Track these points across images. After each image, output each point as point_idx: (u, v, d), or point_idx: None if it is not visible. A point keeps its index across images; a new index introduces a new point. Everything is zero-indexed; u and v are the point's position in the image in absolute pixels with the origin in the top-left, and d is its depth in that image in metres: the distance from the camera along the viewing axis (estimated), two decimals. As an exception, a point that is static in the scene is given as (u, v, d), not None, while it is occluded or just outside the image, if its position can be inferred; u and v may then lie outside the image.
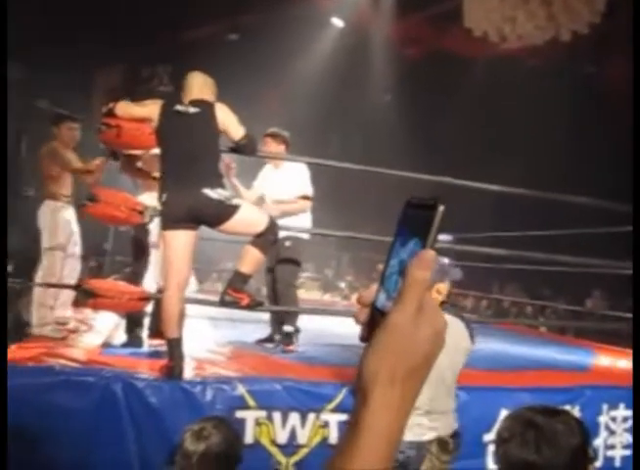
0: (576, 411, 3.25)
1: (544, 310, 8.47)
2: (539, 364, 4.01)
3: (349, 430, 0.52)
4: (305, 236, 4.03)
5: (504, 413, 3.09)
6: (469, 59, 8.94)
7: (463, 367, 2.75)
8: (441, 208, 0.51)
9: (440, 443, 2.40)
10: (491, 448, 3.01)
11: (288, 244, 3.88)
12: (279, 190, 3.99)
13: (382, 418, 0.50)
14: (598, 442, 3.19)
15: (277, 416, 2.71)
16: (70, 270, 3.91)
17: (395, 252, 0.53)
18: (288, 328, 3.83)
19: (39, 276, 3.68)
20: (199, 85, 3.08)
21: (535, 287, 8.96)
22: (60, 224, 3.78)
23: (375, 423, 0.50)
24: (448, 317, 2.27)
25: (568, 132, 8.26)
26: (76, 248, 3.97)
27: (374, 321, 0.53)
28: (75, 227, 3.95)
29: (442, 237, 7.51)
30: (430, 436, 2.39)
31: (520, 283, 9.32)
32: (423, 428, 2.36)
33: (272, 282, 4.04)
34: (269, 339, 4.03)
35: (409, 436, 2.30)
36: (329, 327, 4.63)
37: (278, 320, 3.97)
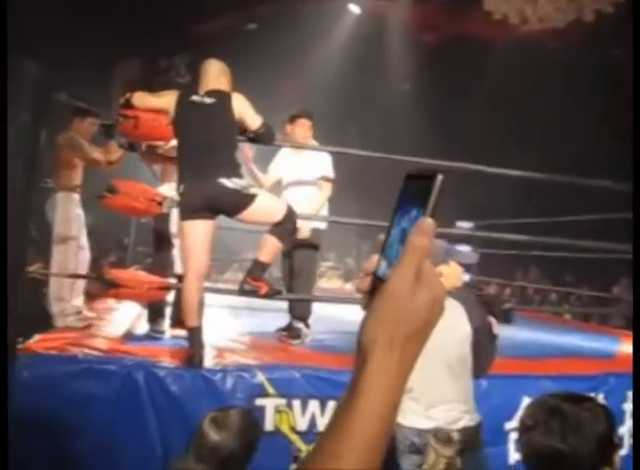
0: (601, 399, 3.20)
1: (568, 297, 8.36)
2: (563, 352, 3.95)
3: (348, 393, 0.52)
4: (322, 226, 4.01)
5: (526, 401, 3.06)
6: (489, 43, 8.77)
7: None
8: (440, 177, 0.51)
9: (440, 434, 2.27)
10: (513, 437, 2.99)
11: (306, 234, 3.87)
12: (300, 174, 3.95)
13: (381, 380, 0.51)
14: (623, 430, 3.13)
15: (297, 404, 2.72)
16: (83, 261, 3.92)
17: (397, 221, 0.54)
18: (297, 324, 3.81)
19: (54, 267, 3.70)
20: (215, 74, 3.07)
21: (559, 274, 8.83)
22: (73, 216, 3.80)
23: (374, 385, 0.51)
24: (448, 300, 2.20)
25: (591, 116, 8.08)
26: (84, 239, 3.98)
27: (375, 289, 0.53)
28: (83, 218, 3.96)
29: (464, 224, 7.48)
30: (427, 425, 2.28)
31: (543, 270, 9.21)
32: (418, 415, 2.28)
33: (289, 268, 4.02)
34: (289, 327, 4.02)
35: (405, 421, 2.25)
36: (348, 315, 4.61)
37: (291, 309, 3.92)
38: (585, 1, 7.76)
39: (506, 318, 2.48)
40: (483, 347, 2.42)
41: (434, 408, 2.31)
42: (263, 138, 3.18)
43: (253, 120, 3.05)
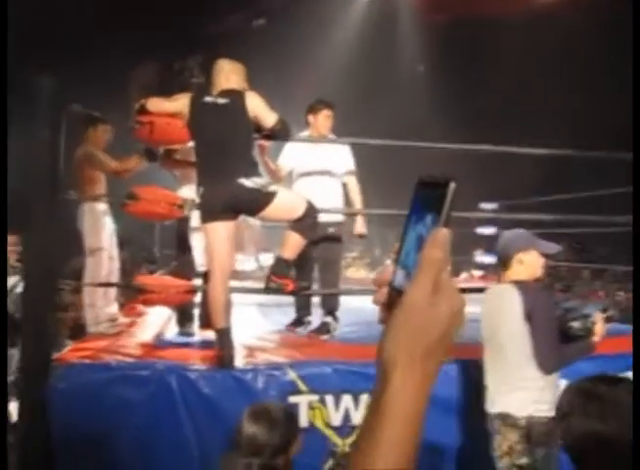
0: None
1: (602, 274, 8.19)
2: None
3: (370, 412, 0.52)
4: (340, 218, 3.98)
5: (563, 384, 3.01)
6: (500, 20, 8.58)
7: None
8: (453, 185, 0.50)
9: (503, 419, 2.36)
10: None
11: (331, 230, 3.85)
12: (319, 165, 3.91)
13: (403, 399, 0.50)
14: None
15: (330, 399, 2.72)
16: (113, 269, 3.98)
17: (412, 228, 0.53)
18: (326, 318, 3.80)
19: (87, 277, 3.77)
20: (226, 73, 3.06)
21: (590, 251, 8.66)
22: (102, 226, 3.86)
23: (396, 404, 0.50)
24: (502, 285, 2.18)
25: (613, 86, 7.85)
26: (115, 248, 4.04)
27: (393, 302, 0.52)
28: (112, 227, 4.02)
29: (487, 206, 7.36)
30: (494, 409, 2.40)
31: (572, 247, 9.03)
32: (487, 400, 2.44)
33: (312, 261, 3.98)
34: (298, 322, 3.96)
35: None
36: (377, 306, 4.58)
37: (323, 303, 3.90)
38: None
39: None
40: (544, 337, 2.35)
41: (498, 394, 2.39)
42: (280, 134, 3.16)
43: (269, 118, 3.02)
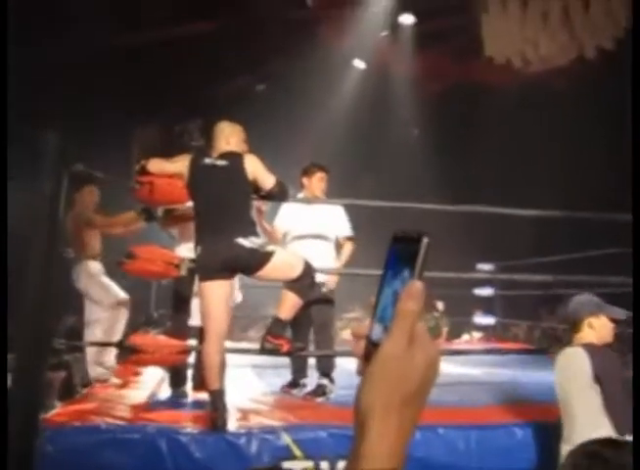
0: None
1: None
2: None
3: (349, 464, 0.52)
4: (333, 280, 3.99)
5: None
6: (494, 88, 8.90)
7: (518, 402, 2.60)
8: (425, 240, 0.52)
9: None
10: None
11: (324, 290, 3.86)
12: (313, 228, 3.98)
13: (380, 448, 0.51)
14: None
15: (325, 465, 2.63)
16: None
17: (387, 283, 0.55)
18: (322, 381, 3.75)
19: (98, 334, 3.82)
20: (226, 136, 3.15)
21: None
22: (107, 282, 3.93)
23: (373, 453, 0.51)
24: (572, 348, 2.20)
25: (603, 151, 8.07)
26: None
27: (370, 354, 0.54)
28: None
29: (484, 266, 7.37)
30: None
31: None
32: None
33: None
34: (293, 384, 3.90)
35: None
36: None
37: (318, 364, 3.86)
38: (585, 37, 7.88)
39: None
40: (616, 399, 2.39)
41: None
42: (278, 196, 3.24)
43: (267, 180, 3.09)
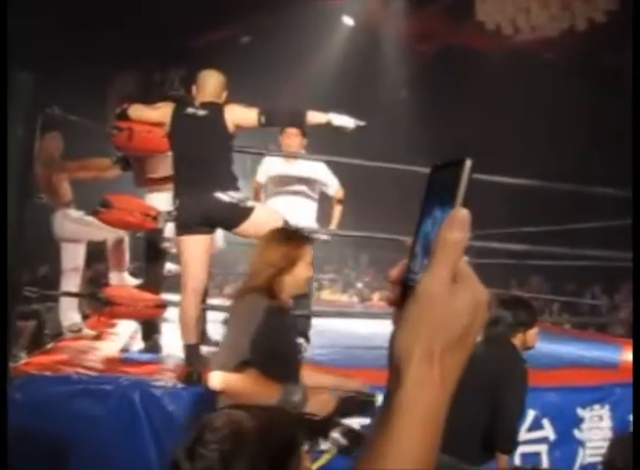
0: (607, 411, 3.15)
1: (569, 307, 8.31)
2: (566, 362, 3.90)
3: (383, 412, 0.45)
4: (324, 237, 3.97)
5: (532, 414, 3.01)
6: (483, 52, 8.80)
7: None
8: (468, 162, 0.45)
9: None
10: (522, 449, 2.91)
11: None
12: (294, 183, 3.92)
13: (420, 399, 0.44)
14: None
15: (297, 421, 2.65)
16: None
17: (427, 217, 0.48)
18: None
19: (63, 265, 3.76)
20: (211, 85, 3.02)
21: (559, 283, 8.80)
22: (73, 231, 3.81)
23: (412, 405, 0.44)
24: None
25: (587, 123, 8.09)
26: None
27: (406, 299, 0.46)
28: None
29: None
30: None
31: (542, 279, 9.17)
32: None
33: None
34: None
35: None
36: (348, 328, 4.57)
37: None
38: (577, 9, 7.80)
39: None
40: None
41: None
42: (274, 122, 3.03)
43: (250, 117, 2.93)
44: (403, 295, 0.47)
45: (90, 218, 3.70)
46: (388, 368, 0.46)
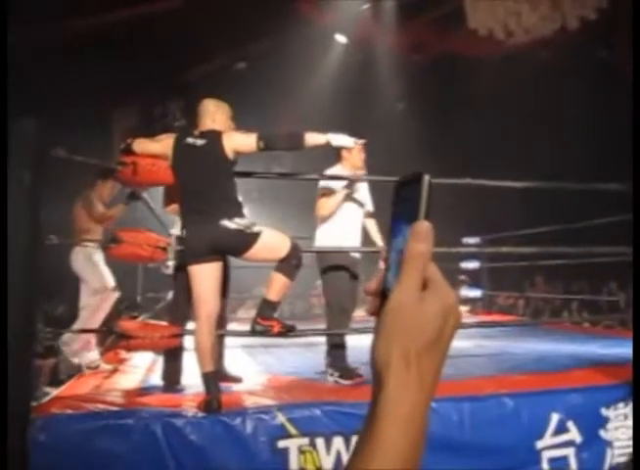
0: (631, 409, 3.11)
1: (589, 305, 8.22)
2: (587, 362, 3.86)
3: (369, 415, 0.49)
4: (358, 255, 3.90)
5: (556, 417, 2.98)
6: (478, 59, 8.84)
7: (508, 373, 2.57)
8: (426, 178, 0.50)
9: None
10: (546, 455, 2.89)
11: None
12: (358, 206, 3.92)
13: (401, 400, 0.47)
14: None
15: (320, 442, 2.64)
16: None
17: (396, 231, 0.52)
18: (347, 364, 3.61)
19: (86, 318, 3.95)
20: (212, 114, 3.08)
21: (569, 282, 8.73)
22: (103, 268, 3.99)
23: (394, 406, 0.47)
24: None
25: (587, 121, 8.08)
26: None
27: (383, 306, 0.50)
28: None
29: (470, 240, 7.41)
30: None
31: (553, 279, 9.10)
32: None
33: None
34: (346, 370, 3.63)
35: None
36: (366, 343, 4.53)
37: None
38: (567, 8, 7.83)
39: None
40: None
41: None
42: (272, 145, 2.98)
43: (249, 142, 2.94)
44: (382, 305, 0.50)
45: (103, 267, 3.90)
46: (372, 377, 0.50)
